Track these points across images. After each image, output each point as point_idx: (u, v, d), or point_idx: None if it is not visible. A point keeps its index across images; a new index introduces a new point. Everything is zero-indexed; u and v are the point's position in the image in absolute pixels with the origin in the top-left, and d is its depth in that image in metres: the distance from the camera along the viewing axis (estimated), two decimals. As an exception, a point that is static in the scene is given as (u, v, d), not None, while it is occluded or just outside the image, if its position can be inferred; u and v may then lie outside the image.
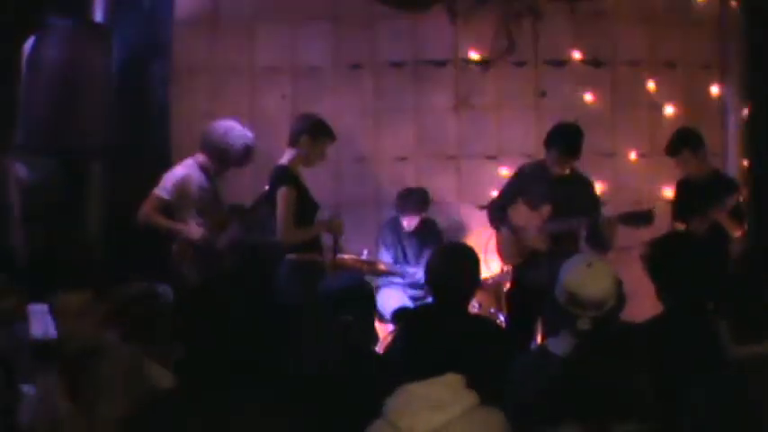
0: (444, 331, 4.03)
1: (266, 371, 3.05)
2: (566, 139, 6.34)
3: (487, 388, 3.59)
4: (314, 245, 6.18)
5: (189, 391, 2.96)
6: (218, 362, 2.94)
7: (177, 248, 6.19)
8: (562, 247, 6.11)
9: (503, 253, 6.64)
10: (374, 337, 4.82)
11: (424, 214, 7.38)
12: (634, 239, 7.24)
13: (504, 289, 7.06)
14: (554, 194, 6.35)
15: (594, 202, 6.49)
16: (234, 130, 6.36)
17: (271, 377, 3.08)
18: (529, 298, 6.14)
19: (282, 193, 6.05)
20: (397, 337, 4.44)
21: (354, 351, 3.92)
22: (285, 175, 6.12)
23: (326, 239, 6.40)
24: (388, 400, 3.14)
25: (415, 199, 7.34)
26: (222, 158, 6.31)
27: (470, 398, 3.14)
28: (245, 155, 6.36)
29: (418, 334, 3.79)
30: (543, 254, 6.24)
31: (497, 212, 6.64)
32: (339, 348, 3.87)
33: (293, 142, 6.20)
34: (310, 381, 3.62)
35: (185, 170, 6.26)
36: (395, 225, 7.46)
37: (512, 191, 6.61)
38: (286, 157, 6.20)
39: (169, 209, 6.18)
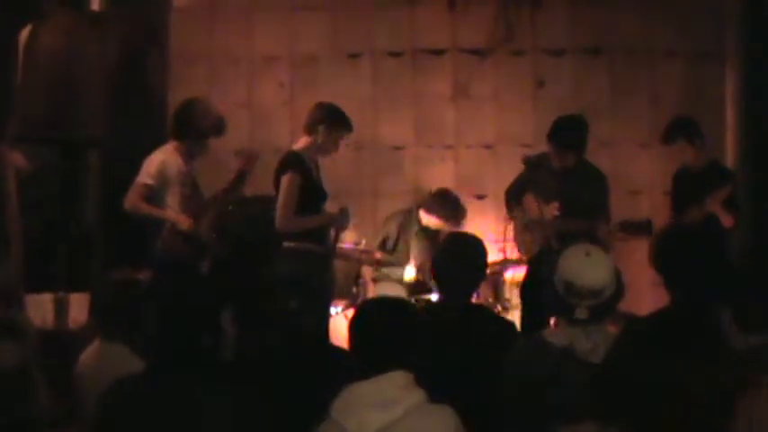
0: (447, 322, 4.05)
1: (213, 355, 3.11)
2: (560, 132, 6.28)
3: (490, 378, 3.62)
4: (314, 234, 6.07)
5: (158, 376, 3.06)
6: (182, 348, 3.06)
7: (167, 236, 6.13)
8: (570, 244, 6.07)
9: (518, 243, 6.59)
10: (323, 325, 4.76)
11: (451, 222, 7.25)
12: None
13: (502, 279, 7.06)
14: (560, 188, 6.29)
15: (602, 198, 6.38)
16: (199, 103, 6.23)
17: (216, 360, 3.15)
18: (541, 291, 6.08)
19: (286, 178, 5.95)
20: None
21: (299, 337, 3.87)
22: (292, 161, 6.02)
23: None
24: (334, 400, 3.11)
25: (452, 204, 7.25)
26: (195, 135, 6.12)
27: (418, 395, 3.10)
28: (218, 125, 6.21)
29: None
30: (555, 249, 6.18)
31: (512, 202, 6.58)
32: (282, 334, 3.82)
33: (309, 130, 6.12)
34: (254, 365, 3.61)
35: (164, 155, 6.11)
36: (406, 218, 7.35)
37: (522, 181, 6.54)
38: (299, 144, 6.13)
39: (152, 195, 6.08)
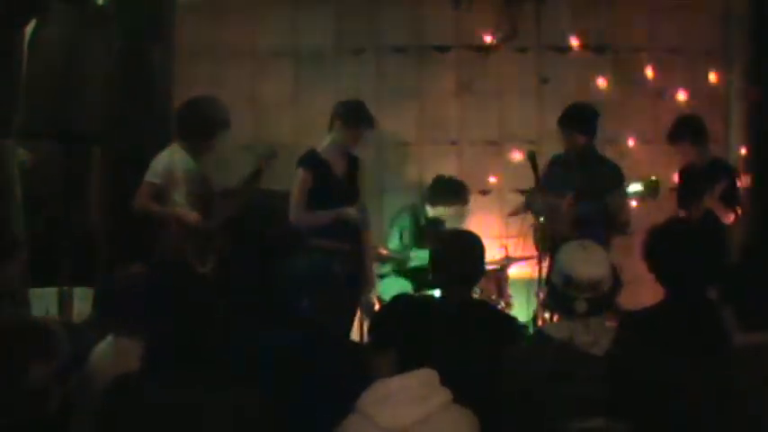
0: (447, 317, 4.06)
1: (226, 353, 3.12)
2: (569, 113, 6.56)
3: (490, 374, 3.62)
4: (329, 230, 6.08)
5: (160, 373, 3.07)
6: (184, 345, 3.06)
7: (176, 233, 6.11)
8: (586, 232, 6.15)
9: (537, 242, 6.63)
10: (338, 322, 4.71)
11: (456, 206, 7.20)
12: (634, 226, 7.27)
13: (505, 276, 7.06)
14: (575, 179, 6.45)
15: (615, 183, 6.51)
16: (203, 102, 6.17)
17: (231, 359, 3.16)
18: None
19: (296, 174, 6.17)
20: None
21: (313, 335, 3.86)
22: (305, 158, 6.23)
23: None
24: (362, 395, 3.14)
25: (449, 186, 7.23)
26: (201, 135, 6.07)
27: (446, 393, 3.16)
28: (224, 123, 6.17)
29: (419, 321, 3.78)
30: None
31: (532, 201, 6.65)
32: (297, 332, 3.83)
33: (329, 127, 6.29)
34: (268, 363, 3.62)
35: (170, 154, 6.09)
36: (414, 213, 7.32)
37: (543, 181, 6.64)
38: (324, 142, 6.30)
39: (159, 193, 6.05)
